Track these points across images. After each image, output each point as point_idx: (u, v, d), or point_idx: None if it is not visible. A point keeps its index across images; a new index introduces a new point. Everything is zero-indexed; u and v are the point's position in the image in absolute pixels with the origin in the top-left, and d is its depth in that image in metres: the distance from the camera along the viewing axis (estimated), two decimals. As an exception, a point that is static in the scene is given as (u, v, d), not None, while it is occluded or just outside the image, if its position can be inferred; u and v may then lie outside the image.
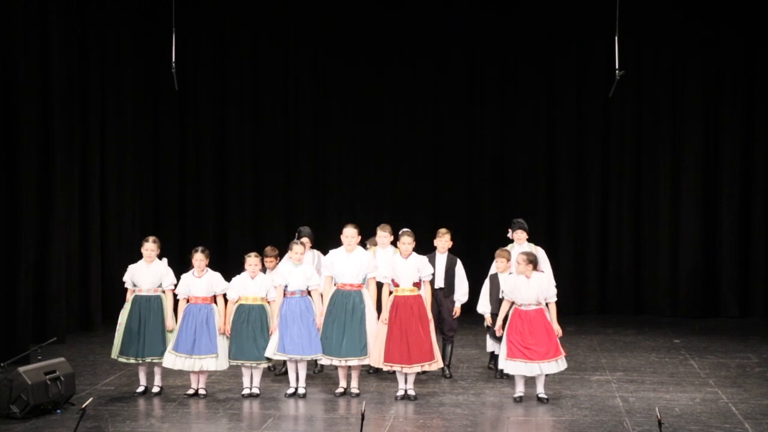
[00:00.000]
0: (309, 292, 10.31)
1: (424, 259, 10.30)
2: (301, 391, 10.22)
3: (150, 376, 10.41)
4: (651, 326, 14.63)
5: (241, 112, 16.04)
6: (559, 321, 10.02)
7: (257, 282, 10.29)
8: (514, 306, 9.99)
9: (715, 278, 15.60)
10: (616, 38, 12.64)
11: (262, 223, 15.99)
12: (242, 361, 10.21)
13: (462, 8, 15.75)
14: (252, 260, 10.32)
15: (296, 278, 10.21)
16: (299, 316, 10.13)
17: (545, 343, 9.80)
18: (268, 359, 10.32)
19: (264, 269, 10.65)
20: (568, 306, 14.56)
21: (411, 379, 10.15)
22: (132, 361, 10.26)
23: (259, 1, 15.85)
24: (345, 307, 10.12)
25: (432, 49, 15.89)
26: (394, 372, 10.21)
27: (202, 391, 10.24)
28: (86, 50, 13.91)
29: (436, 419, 9.42)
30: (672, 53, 15.56)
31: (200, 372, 10.19)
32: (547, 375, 10.00)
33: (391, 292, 10.14)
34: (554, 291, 10.04)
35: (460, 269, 11.06)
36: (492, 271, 11.05)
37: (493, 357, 11.15)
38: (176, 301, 10.31)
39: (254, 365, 10.23)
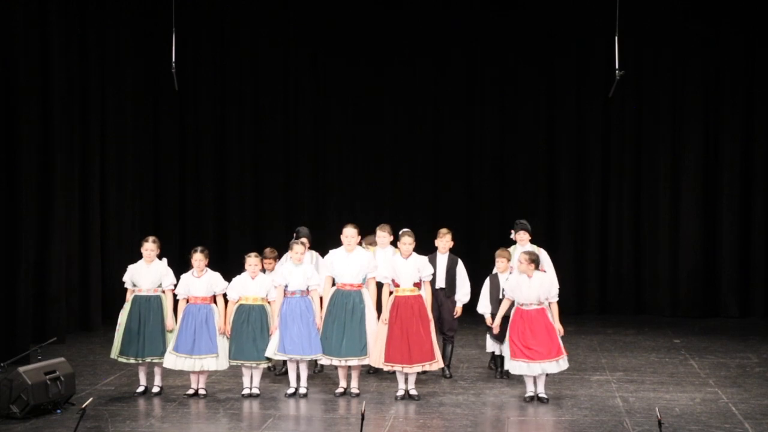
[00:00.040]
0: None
1: (424, 259, 10.30)
2: (302, 391, 10.22)
3: (150, 376, 10.41)
4: (651, 326, 14.63)
5: (241, 112, 16.04)
6: (560, 321, 10.02)
7: (257, 282, 10.29)
8: (516, 306, 9.99)
9: (715, 278, 15.60)
10: (616, 38, 12.64)
11: (262, 223, 15.99)
12: (242, 362, 10.21)
13: (462, 8, 15.75)
14: (252, 260, 10.32)
15: (296, 278, 10.21)
16: (299, 316, 10.13)
17: (546, 343, 9.80)
18: (269, 359, 10.32)
19: (263, 270, 10.65)
20: (568, 306, 14.54)
21: (412, 379, 10.15)
22: (132, 361, 10.26)
23: (259, 1, 15.85)
24: (345, 307, 10.12)
25: (432, 49, 15.89)
26: (394, 372, 10.21)
27: (202, 391, 10.24)
28: (86, 50, 13.91)
29: (436, 419, 9.42)
30: (672, 53, 15.56)
31: (200, 372, 10.19)
32: (547, 375, 10.00)
33: (391, 293, 10.14)
34: (556, 291, 10.05)
35: (461, 269, 11.06)
36: (493, 271, 11.05)
37: (494, 357, 11.15)
38: (176, 301, 10.31)
39: (254, 365, 10.23)
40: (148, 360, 10.24)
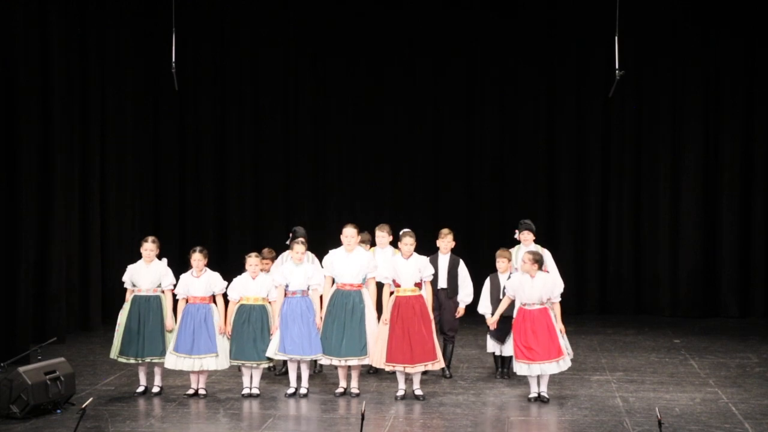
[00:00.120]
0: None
1: (425, 259, 10.30)
2: (302, 391, 10.22)
3: (150, 376, 10.41)
4: (651, 326, 14.63)
5: (241, 112, 16.04)
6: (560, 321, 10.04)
7: (258, 282, 10.29)
8: (519, 306, 9.99)
9: (715, 278, 15.60)
10: (616, 38, 12.63)
11: (262, 223, 15.99)
12: (243, 362, 10.21)
13: (462, 9, 15.74)
14: (252, 260, 10.33)
15: (297, 278, 10.22)
16: (300, 316, 10.13)
17: (546, 344, 9.81)
18: (269, 359, 10.32)
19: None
20: (568, 306, 14.47)
21: (417, 378, 10.15)
22: (132, 361, 10.26)
23: (259, 1, 15.85)
24: (345, 307, 10.12)
25: (432, 49, 15.89)
26: (394, 372, 10.21)
27: (202, 391, 10.24)
28: (86, 50, 13.91)
29: (436, 419, 9.42)
30: (672, 53, 15.56)
31: (200, 372, 10.19)
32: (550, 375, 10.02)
33: (392, 293, 10.14)
34: (559, 291, 10.05)
35: (463, 269, 11.06)
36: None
37: (495, 358, 11.14)
38: (176, 301, 10.31)
39: (254, 366, 10.23)
40: (148, 360, 10.24)
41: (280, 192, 16.06)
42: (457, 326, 11.22)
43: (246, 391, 10.25)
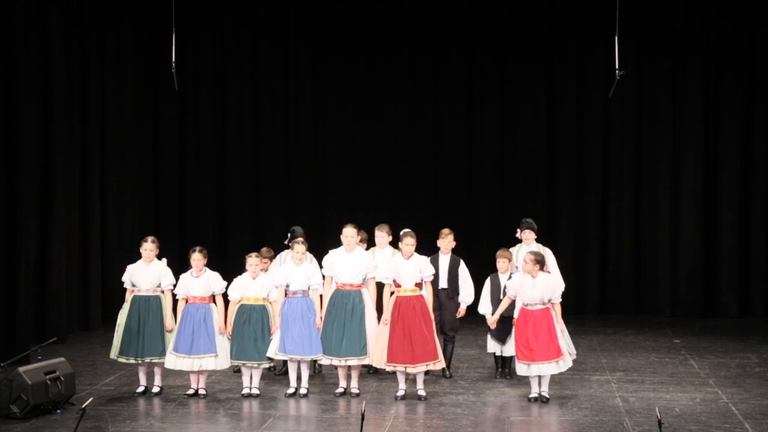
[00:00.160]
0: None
1: (425, 259, 10.30)
2: (302, 391, 10.22)
3: (150, 376, 10.41)
4: (651, 326, 14.63)
5: (241, 112, 16.03)
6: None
7: (258, 282, 10.29)
8: (521, 306, 9.99)
9: (715, 278, 15.60)
10: (616, 38, 12.64)
11: (262, 223, 15.99)
12: (244, 362, 10.21)
13: (462, 8, 15.74)
14: (253, 260, 10.33)
15: (297, 278, 10.22)
16: (300, 316, 10.13)
17: (545, 345, 9.80)
18: (270, 359, 10.31)
19: None
20: (569, 306, 14.45)
21: (420, 378, 10.14)
22: (131, 361, 10.26)
23: (259, 1, 15.85)
24: (345, 307, 10.12)
25: (432, 49, 15.88)
26: (394, 372, 10.21)
27: (202, 391, 10.24)
28: (86, 50, 13.91)
29: (436, 419, 9.42)
30: (672, 53, 15.55)
31: (200, 372, 10.19)
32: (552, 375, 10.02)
33: (392, 293, 10.14)
34: (560, 292, 10.05)
35: (463, 270, 11.06)
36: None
37: (496, 358, 11.13)
38: (176, 301, 10.31)
39: (255, 366, 10.23)
40: (148, 360, 10.24)
41: (280, 192, 16.06)
42: (458, 326, 11.22)
43: (246, 390, 10.25)
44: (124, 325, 10.26)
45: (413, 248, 10.19)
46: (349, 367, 10.26)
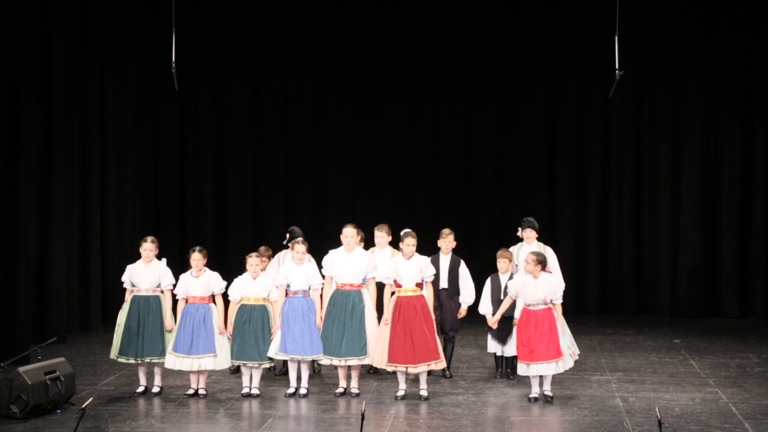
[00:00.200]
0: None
1: (426, 259, 10.29)
2: (302, 391, 10.22)
3: (150, 376, 10.41)
4: (651, 326, 14.62)
5: (241, 112, 16.03)
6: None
7: (259, 282, 10.29)
8: (523, 307, 9.99)
9: (715, 278, 15.59)
10: (616, 38, 12.64)
11: (262, 223, 15.98)
12: (244, 362, 10.21)
13: (462, 8, 15.74)
14: (253, 260, 10.33)
15: (298, 278, 10.21)
16: (301, 316, 10.13)
17: (545, 345, 9.80)
18: (270, 359, 10.31)
19: None
20: (569, 306, 14.43)
21: (423, 378, 10.14)
22: (131, 361, 10.27)
23: (259, 1, 15.85)
24: (344, 307, 10.12)
25: (432, 49, 15.88)
26: (394, 372, 10.20)
27: (202, 391, 10.24)
28: (86, 50, 13.91)
29: (436, 419, 9.42)
30: (672, 53, 15.55)
31: (199, 372, 10.19)
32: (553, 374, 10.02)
33: (393, 293, 10.14)
34: (561, 293, 10.04)
35: (464, 270, 11.06)
36: None
37: (496, 358, 11.13)
38: (176, 301, 10.31)
39: (255, 366, 10.23)
40: (147, 360, 10.24)
41: (280, 192, 16.06)
42: (458, 326, 11.22)
43: (245, 390, 10.25)
44: (123, 325, 10.26)
45: (414, 248, 10.19)
46: (349, 367, 10.26)
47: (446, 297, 10.98)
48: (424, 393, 10.09)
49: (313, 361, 10.57)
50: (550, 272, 10.57)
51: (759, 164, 15.42)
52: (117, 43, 14.57)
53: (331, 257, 10.28)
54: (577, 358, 10.43)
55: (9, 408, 9.26)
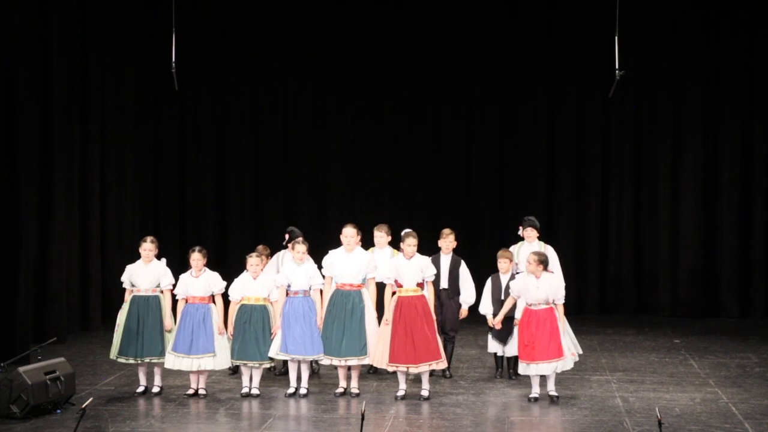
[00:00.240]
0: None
1: (427, 259, 10.29)
2: (302, 391, 10.22)
3: (150, 376, 10.40)
4: (651, 326, 14.62)
5: (241, 112, 16.03)
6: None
7: (259, 282, 10.29)
8: (524, 306, 9.99)
9: (715, 278, 15.59)
10: (616, 38, 12.64)
11: (262, 223, 15.98)
12: (245, 362, 10.20)
13: (462, 8, 15.74)
14: (254, 260, 10.33)
15: (299, 278, 10.21)
16: (302, 316, 10.13)
17: (546, 344, 9.80)
18: (271, 359, 10.31)
19: None
20: (569, 306, 14.37)
21: (425, 378, 10.13)
22: (131, 361, 10.26)
23: (259, 1, 15.85)
24: (344, 307, 10.12)
25: (432, 49, 15.88)
26: (395, 372, 10.20)
27: (202, 391, 10.24)
28: (86, 50, 13.91)
29: (436, 419, 9.42)
30: (672, 53, 15.55)
31: (199, 372, 10.18)
32: (556, 374, 10.01)
33: (394, 293, 10.13)
34: (563, 293, 10.04)
35: (464, 270, 11.05)
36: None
37: (497, 358, 11.13)
38: (176, 301, 10.31)
39: (256, 365, 10.22)
40: (147, 360, 10.24)
41: (280, 192, 16.06)
42: (458, 326, 11.22)
43: (245, 390, 10.25)
44: (123, 325, 10.26)
45: (415, 248, 10.18)
46: (349, 367, 10.26)
47: (446, 297, 10.98)
48: (425, 393, 10.09)
49: (311, 361, 10.58)
50: (552, 272, 10.56)
51: (759, 164, 15.43)
52: (117, 43, 14.57)
53: (331, 257, 10.28)
54: (577, 359, 10.42)
55: (9, 408, 9.26)
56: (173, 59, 12.75)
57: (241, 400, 10.09)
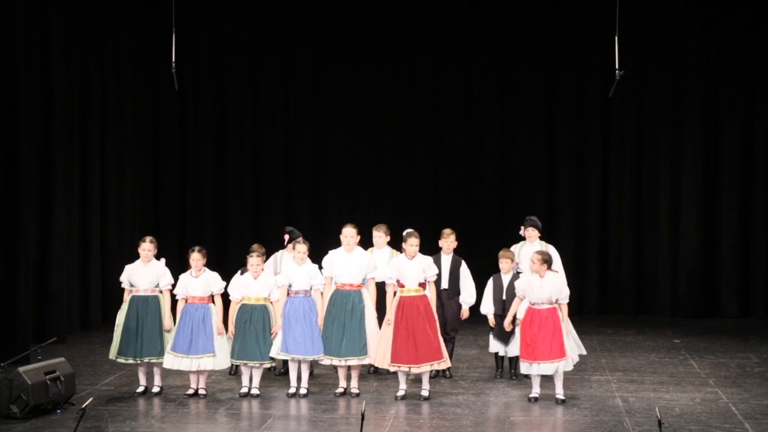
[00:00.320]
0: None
1: (429, 259, 10.28)
2: (302, 391, 10.22)
3: (150, 376, 10.40)
4: (651, 326, 14.62)
5: (241, 112, 16.03)
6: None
7: (260, 282, 10.28)
8: (528, 306, 9.99)
9: (715, 278, 15.59)
10: (616, 38, 12.64)
11: (262, 223, 15.98)
12: (245, 361, 10.20)
13: (462, 9, 15.74)
14: (254, 260, 10.32)
15: (299, 278, 10.21)
16: (303, 316, 10.13)
17: (547, 344, 9.80)
18: (272, 359, 10.31)
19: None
20: (569, 306, 14.51)
21: (426, 378, 10.13)
22: (130, 361, 10.26)
23: (259, 1, 15.85)
24: (344, 307, 10.12)
25: (432, 49, 15.88)
26: (395, 372, 10.20)
27: (201, 391, 10.24)
28: (86, 50, 13.91)
29: (437, 419, 9.42)
30: (672, 53, 15.55)
31: (199, 372, 10.18)
32: (553, 375, 10.00)
33: (395, 293, 10.13)
34: (567, 292, 10.04)
35: (465, 270, 11.04)
36: None
37: (497, 358, 11.12)
38: (175, 301, 10.31)
39: (256, 365, 10.22)
40: (147, 360, 10.23)
41: (280, 192, 16.05)
42: (459, 326, 11.22)
43: (245, 390, 10.25)
44: (122, 325, 10.25)
45: (417, 248, 10.17)
46: (349, 367, 10.26)
47: (447, 297, 10.97)
48: (425, 393, 10.08)
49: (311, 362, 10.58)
50: (556, 271, 10.56)
51: (759, 164, 15.42)
52: (117, 43, 14.57)
53: (331, 257, 10.28)
54: (577, 360, 10.41)
55: (9, 408, 9.26)
56: (173, 59, 12.75)
57: (240, 400, 10.09)
